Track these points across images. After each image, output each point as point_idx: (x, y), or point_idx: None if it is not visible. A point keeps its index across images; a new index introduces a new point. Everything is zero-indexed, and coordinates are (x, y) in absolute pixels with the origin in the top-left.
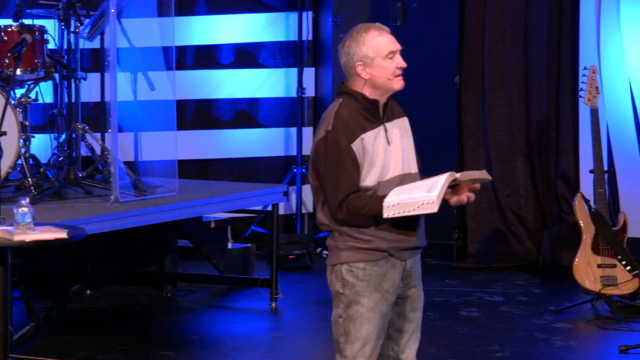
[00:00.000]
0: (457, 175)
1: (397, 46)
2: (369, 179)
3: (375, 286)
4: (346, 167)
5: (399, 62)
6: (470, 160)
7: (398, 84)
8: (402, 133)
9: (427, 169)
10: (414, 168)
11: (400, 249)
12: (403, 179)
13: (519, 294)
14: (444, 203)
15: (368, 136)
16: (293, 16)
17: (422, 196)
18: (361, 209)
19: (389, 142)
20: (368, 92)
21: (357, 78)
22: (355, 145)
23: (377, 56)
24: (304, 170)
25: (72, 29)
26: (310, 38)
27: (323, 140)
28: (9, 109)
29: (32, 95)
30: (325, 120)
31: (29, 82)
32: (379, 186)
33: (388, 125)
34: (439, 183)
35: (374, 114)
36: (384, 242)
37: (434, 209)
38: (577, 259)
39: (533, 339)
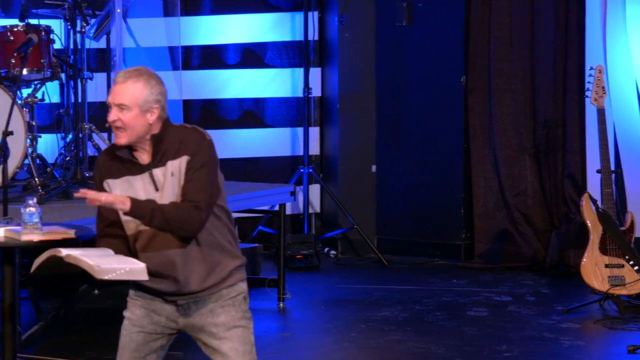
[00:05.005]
0: (63, 253)
1: (110, 99)
2: (125, 225)
3: None
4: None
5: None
6: (477, 160)
7: (116, 139)
8: (168, 177)
9: (434, 170)
10: None
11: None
12: None
13: (527, 294)
14: (453, 204)
15: (116, 182)
16: (299, 16)
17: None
18: None
19: (157, 189)
20: None
21: None
22: (104, 188)
23: None
24: (310, 170)
25: (78, 28)
26: (316, 38)
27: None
28: (15, 109)
29: (39, 95)
30: None
31: (35, 82)
32: (139, 235)
33: (156, 171)
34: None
35: (131, 161)
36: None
37: (145, 276)
38: (584, 259)
39: (541, 339)
